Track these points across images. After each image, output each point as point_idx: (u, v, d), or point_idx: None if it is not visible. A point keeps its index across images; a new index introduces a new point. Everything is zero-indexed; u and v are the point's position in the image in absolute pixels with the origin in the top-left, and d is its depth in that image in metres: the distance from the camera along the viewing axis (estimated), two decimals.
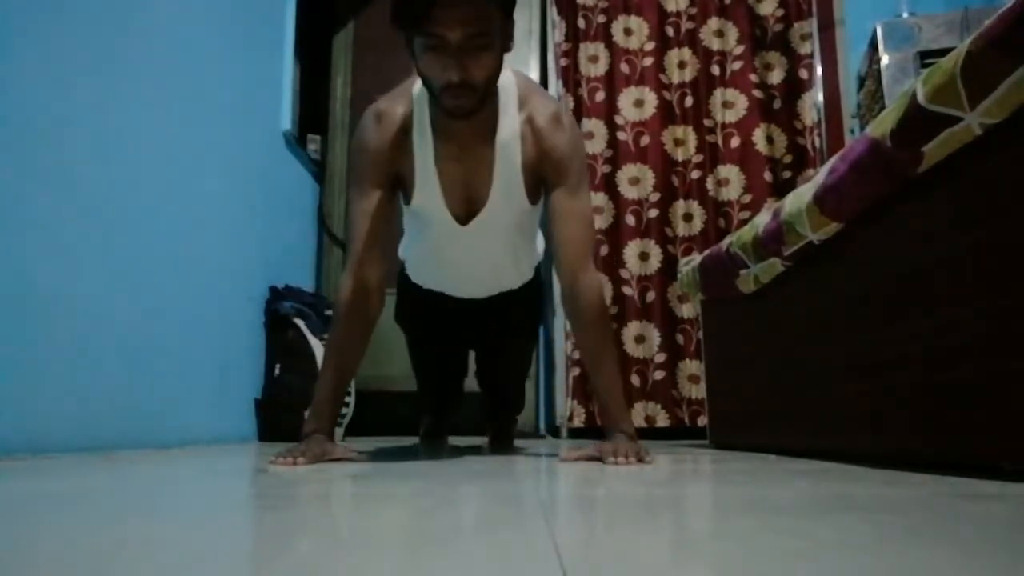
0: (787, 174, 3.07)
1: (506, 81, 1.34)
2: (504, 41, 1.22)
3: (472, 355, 2.01)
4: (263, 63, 2.60)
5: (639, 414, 2.91)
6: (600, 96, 3.16)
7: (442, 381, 1.95)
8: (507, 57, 1.26)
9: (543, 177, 1.39)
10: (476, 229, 1.42)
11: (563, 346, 3.01)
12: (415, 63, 1.21)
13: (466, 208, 1.41)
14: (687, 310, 2.97)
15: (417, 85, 1.34)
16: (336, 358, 1.35)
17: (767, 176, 3.06)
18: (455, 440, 2.28)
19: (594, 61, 3.19)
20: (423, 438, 2.09)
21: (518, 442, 2.18)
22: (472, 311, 1.70)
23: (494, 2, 1.16)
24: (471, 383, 2.02)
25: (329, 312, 2.48)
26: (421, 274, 1.68)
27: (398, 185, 1.42)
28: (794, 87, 3.12)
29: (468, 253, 1.51)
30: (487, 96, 1.25)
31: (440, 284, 1.67)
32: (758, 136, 3.10)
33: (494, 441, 2.09)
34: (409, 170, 1.37)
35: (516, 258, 1.59)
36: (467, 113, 1.23)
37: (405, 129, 1.35)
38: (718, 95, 3.14)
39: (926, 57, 2.72)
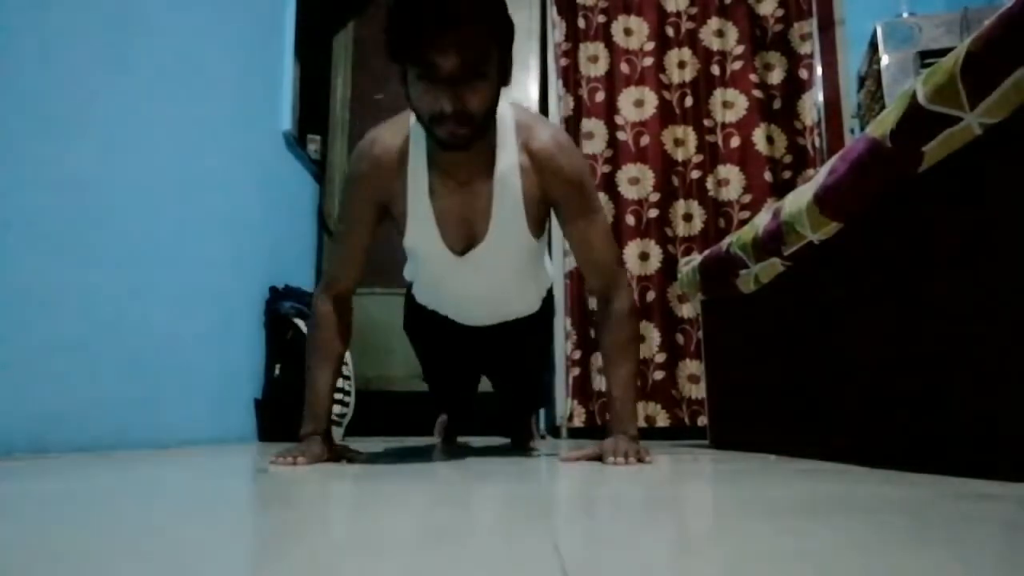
0: (787, 174, 3.07)
1: (503, 113, 1.29)
2: (502, 75, 1.18)
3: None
4: (263, 63, 2.59)
5: (639, 414, 2.90)
6: (600, 96, 3.16)
7: (452, 391, 1.95)
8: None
9: (552, 204, 1.36)
10: (474, 261, 1.38)
11: (563, 346, 3.01)
12: (408, 96, 1.17)
13: (464, 242, 1.36)
14: (687, 310, 2.97)
15: (414, 116, 1.26)
16: (320, 361, 1.37)
17: (767, 176, 3.06)
18: (474, 440, 2.30)
19: (594, 61, 3.19)
20: (439, 435, 2.15)
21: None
22: (480, 336, 1.68)
23: (492, 36, 1.12)
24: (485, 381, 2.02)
25: None
26: (425, 298, 1.66)
27: (389, 218, 1.39)
28: (794, 87, 3.12)
29: (468, 284, 1.47)
30: (483, 128, 1.20)
31: (444, 309, 1.64)
32: (758, 136, 3.09)
33: (512, 433, 2.12)
34: (402, 204, 1.33)
35: (521, 288, 1.56)
36: (462, 144, 1.18)
37: (400, 160, 1.31)
38: (718, 95, 3.14)
39: (926, 57, 2.72)
